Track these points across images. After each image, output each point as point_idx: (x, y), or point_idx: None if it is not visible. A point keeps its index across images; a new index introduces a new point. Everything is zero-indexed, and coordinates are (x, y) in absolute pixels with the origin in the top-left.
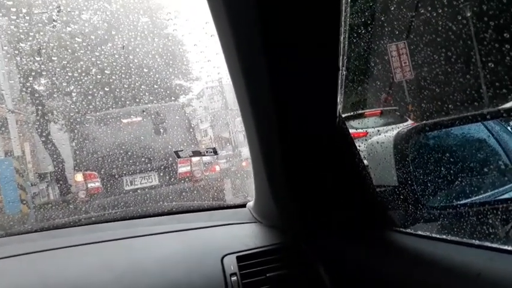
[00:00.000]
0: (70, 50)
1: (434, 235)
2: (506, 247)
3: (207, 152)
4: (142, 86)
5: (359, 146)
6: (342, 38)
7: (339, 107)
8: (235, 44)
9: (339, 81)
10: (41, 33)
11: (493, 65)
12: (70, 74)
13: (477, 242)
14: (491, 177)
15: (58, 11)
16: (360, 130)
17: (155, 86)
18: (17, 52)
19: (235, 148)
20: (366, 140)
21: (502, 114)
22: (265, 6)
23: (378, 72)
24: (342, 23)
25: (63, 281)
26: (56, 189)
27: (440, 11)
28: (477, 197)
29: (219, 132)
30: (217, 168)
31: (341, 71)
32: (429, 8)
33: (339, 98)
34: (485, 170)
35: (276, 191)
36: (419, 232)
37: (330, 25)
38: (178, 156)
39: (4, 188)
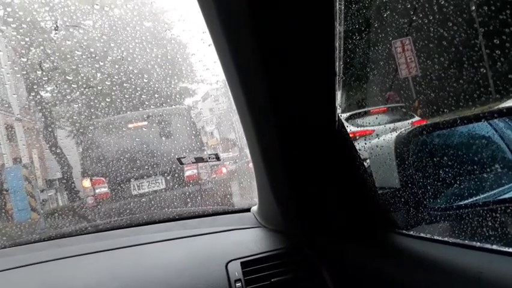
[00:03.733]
0: (70, 62)
1: (435, 237)
2: (506, 249)
3: (209, 158)
4: (150, 91)
5: (365, 144)
6: (337, 44)
7: (338, 111)
8: (231, 54)
9: (337, 86)
10: (41, 47)
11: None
12: (73, 85)
13: (478, 244)
14: (493, 176)
15: (55, 29)
16: (366, 128)
17: (159, 90)
18: (17, 68)
19: (241, 150)
20: (372, 137)
21: (503, 112)
22: (259, 18)
23: (383, 70)
24: (337, 30)
25: None
26: (65, 195)
27: (441, 8)
28: (480, 197)
29: (225, 134)
30: (224, 170)
31: (337, 77)
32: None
33: (337, 103)
34: (488, 168)
35: (278, 196)
36: (421, 234)
37: (324, 33)
38: (181, 163)
39: (13, 197)
